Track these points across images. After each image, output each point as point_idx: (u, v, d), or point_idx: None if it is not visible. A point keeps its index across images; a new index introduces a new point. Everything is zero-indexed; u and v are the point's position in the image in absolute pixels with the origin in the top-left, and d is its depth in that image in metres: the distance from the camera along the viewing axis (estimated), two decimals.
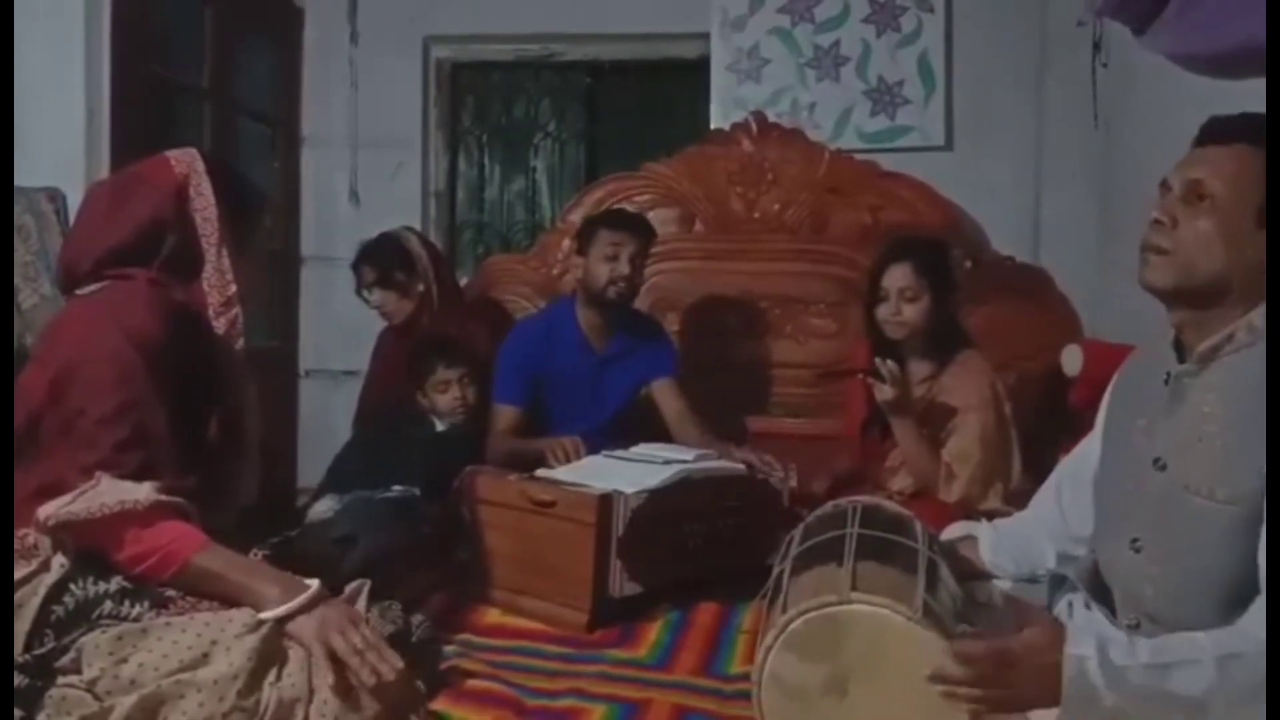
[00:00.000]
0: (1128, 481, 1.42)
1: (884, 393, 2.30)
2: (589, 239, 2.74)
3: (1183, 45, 2.11)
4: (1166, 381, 1.37)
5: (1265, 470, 1.19)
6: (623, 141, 3.92)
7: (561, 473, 2.16)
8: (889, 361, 2.31)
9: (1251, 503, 1.22)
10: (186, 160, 1.68)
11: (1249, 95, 1.70)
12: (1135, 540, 1.37)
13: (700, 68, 3.70)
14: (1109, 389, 1.58)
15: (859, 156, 3.44)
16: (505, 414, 2.72)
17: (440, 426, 2.77)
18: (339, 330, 3.70)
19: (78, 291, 1.63)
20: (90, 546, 1.44)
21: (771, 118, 3.47)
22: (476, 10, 3.77)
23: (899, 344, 2.45)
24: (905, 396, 2.33)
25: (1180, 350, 1.38)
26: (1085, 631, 1.23)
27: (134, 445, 1.47)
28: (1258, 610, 1.20)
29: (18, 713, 1.32)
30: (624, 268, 2.69)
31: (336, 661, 1.38)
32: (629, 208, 3.34)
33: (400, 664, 1.40)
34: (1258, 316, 1.28)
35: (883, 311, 2.44)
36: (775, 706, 1.33)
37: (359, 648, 1.39)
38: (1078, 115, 3.34)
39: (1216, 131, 1.33)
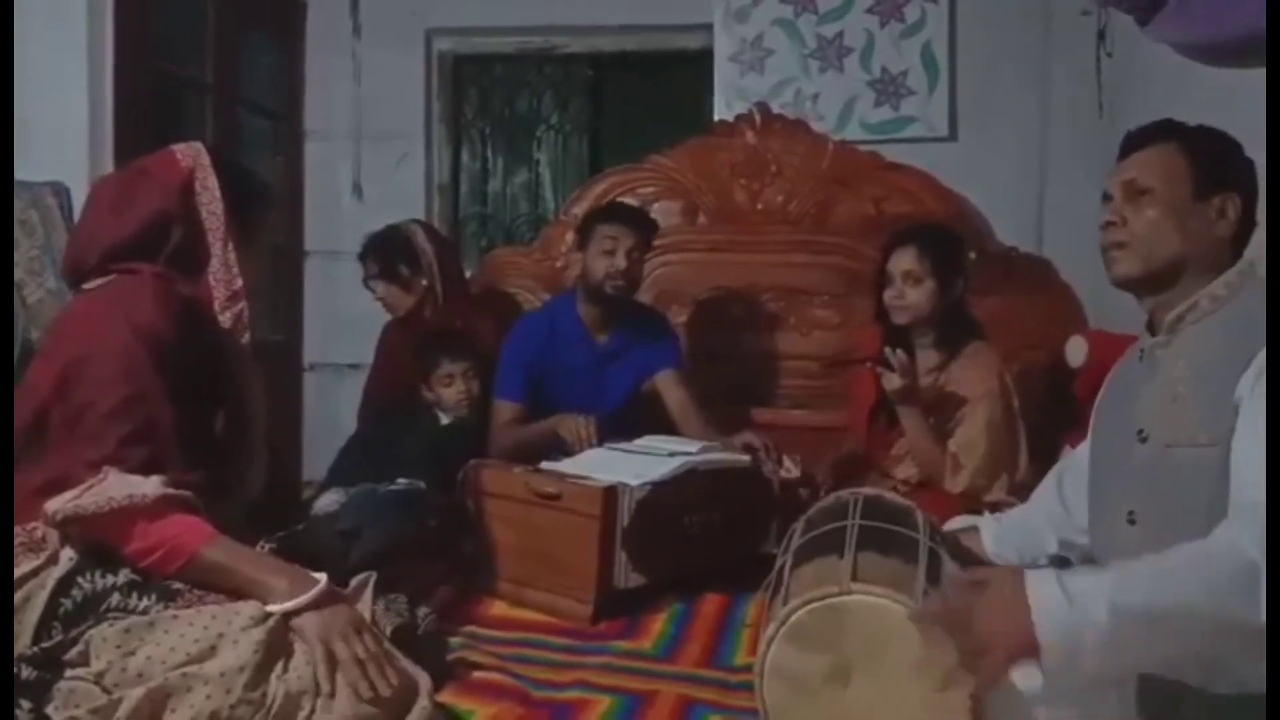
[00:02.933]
0: (1117, 460, 1.48)
1: (892, 382, 2.30)
2: (587, 234, 2.74)
3: (1186, 34, 2.12)
4: (1141, 358, 1.49)
5: (1238, 402, 1.29)
6: (626, 134, 3.91)
7: (566, 465, 2.17)
8: (898, 351, 2.31)
9: (1230, 440, 1.30)
10: (191, 154, 1.69)
11: (1252, 84, 1.70)
12: (1130, 514, 1.43)
13: (703, 59, 3.69)
14: (1104, 384, 1.63)
15: (863, 148, 3.43)
16: (506, 410, 2.73)
17: (445, 419, 2.78)
18: (343, 324, 3.70)
19: (84, 286, 1.64)
20: (98, 540, 1.44)
21: (775, 109, 3.47)
22: (478, 3, 3.76)
23: (908, 333, 2.45)
24: (913, 386, 2.33)
25: (1153, 330, 1.50)
26: (1042, 574, 1.24)
27: (141, 439, 1.48)
28: (1229, 522, 1.24)
29: (26, 705, 1.32)
30: (620, 262, 2.68)
31: (335, 664, 1.38)
32: (632, 200, 3.34)
33: (396, 682, 1.40)
34: (1220, 286, 1.42)
35: (888, 295, 2.44)
36: (777, 697, 1.33)
37: (360, 657, 1.39)
38: (1082, 105, 3.33)
39: (1134, 141, 1.51)
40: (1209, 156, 1.44)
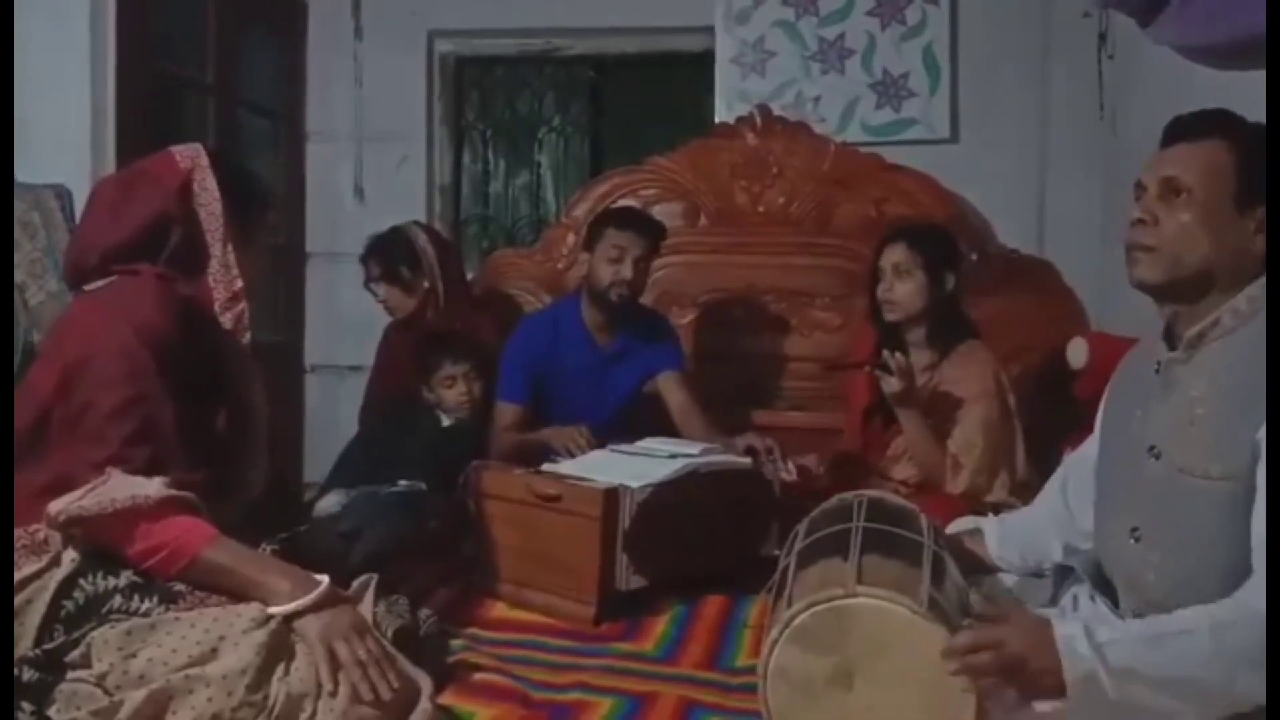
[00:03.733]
0: (1125, 472, 1.44)
1: (891, 385, 2.30)
2: (597, 236, 2.74)
3: (1187, 36, 2.11)
4: (1158, 371, 1.41)
5: (1258, 445, 1.23)
6: (627, 135, 3.91)
7: (567, 467, 2.17)
8: (898, 354, 2.31)
9: (1245, 478, 1.25)
10: (191, 155, 1.69)
11: (1253, 86, 1.69)
12: (1135, 530, 1.39)
13: (705, 61, 3.69)
14: (1109, 384, 1.59)
15: (864, 149, 3.43)
16: (508, 411, 2.73)
17: (446, 421, 2.78)
18: (344, 325, 3.70)
19: (85, 288, 1.64)
20: (100, 541, 1.44)
21: (776, 111, 3.47)
22: (480, 5, 3.76)
23: (901, 333, 2.45)
24: (912, 389, 2.33)
25: (1171, 340, 1.41)
26: (1074, 617, 1.26)
27: (143, 440, 1.48)
28: (1251, 584, 1.22)
29: (28, 706, 1.32)
30: (626, 271, 2.68)
31: (336, 666, 1.38)
32: (633, 202, 3.34)
33: (397, 684, 1.40)
34: (1243, 301, 1.32)
35: (879, 290, 2.45)
36: (781, 699, 1.33)
37: (361, 659, 1.39)
38: (1083, 107, 3.33)
39: (1180, 130, 1.38)
40: (1259, 161, 1.30)
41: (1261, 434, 1.23)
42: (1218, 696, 1.19)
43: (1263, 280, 1.32)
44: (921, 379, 2.41)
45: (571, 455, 2.38)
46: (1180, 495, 1.33)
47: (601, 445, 2.34)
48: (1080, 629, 1.22)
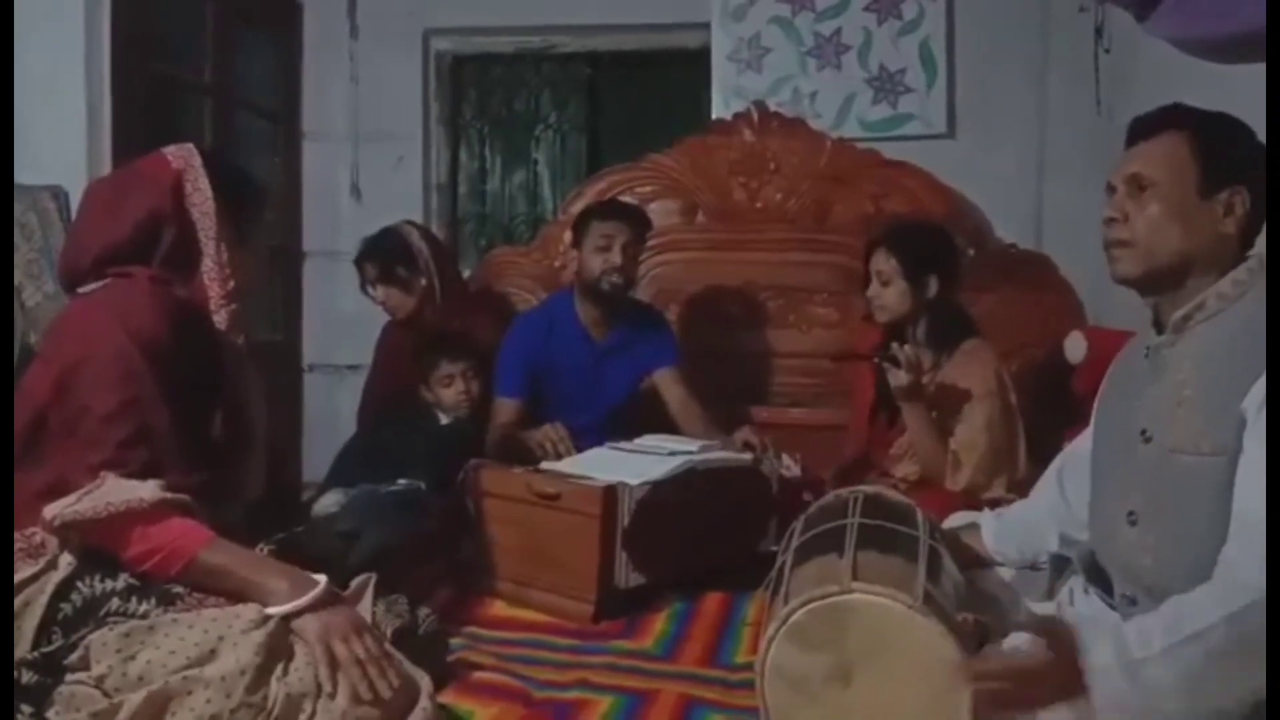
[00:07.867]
0: (1119, 458, 1.46)
1: (899, 378, 2.30)
2: (582, 231, 2.75)
3: (1184, 30, 2.11)
4: (1147, 356, 1.44)
5: (1244, 413, 1.26)
6: (624, 132, 3.91)
7: (566, 465, 2.17)
8: (906, 346, 2.31)
9: (1234, 452, 1.27)
10: (183, 155, 1.68)
11: (1251, 80, 1.69)
12: (1131, 514, 1.40)
13: (701, 57, 3.69)
14: (1106, 375, 1.61)
15: (861, 145, 3.43)
16: (506, 407, 2.73)
17: (444, 420, 2.78)
18: (342, 325, 3.70)
19: (80, 289, 1.64)
20: (97, 544, 1.44)
21: (773, 107, 3.47)
22: (476, 3, 3.76)
23: (903, 331, 2.45)
24: (919, 383, 2.33)
25: (1159, 328, 1.45)
26: (1098, 635, 1.23)
27: (139, 443, 1.48)
28: (1237, 554, 1.22)
29: (27, 709, 1.32)
30: (616, 258, 2.68)
31: (335, 666, 1.38)
32: (631, 199, 3.34)
33: (397, 683, 1.40)
34: (1227, 285, 1.36)
35: (869, 294, 2.46)
36: (779, 697, 1.33)
37: (360, 658, 1.39)
38: (1080, 102, 3.33)
39: (1139, 130, 1.46)
40: (1217, 148, 1.38)
41: (1246, 403, 1.26)
42: (1242, 684, 1.18)
43: (1246, 265, 1.37)
44: (925, 378, 2.41)
45: (549, 455, 2.38)
46: (1174, 476, 1.35)
47: (599, 443, 2.34)
48: (1114, 655, 1.19)
